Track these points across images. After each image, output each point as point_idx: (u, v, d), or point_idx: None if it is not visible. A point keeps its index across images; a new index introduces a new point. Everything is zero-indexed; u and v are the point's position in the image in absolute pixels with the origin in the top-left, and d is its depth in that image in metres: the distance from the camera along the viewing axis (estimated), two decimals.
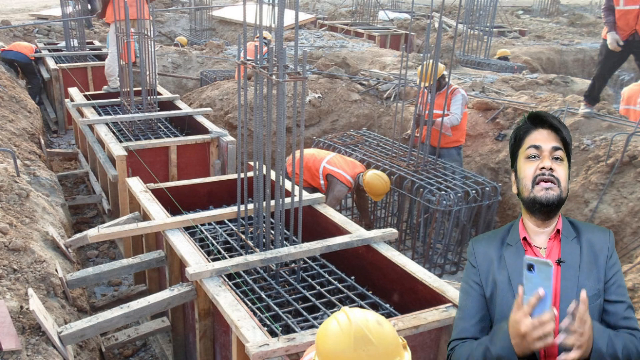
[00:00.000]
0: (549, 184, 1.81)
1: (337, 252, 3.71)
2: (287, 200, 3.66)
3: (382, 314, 2.31)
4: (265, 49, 4.68)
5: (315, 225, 4.19)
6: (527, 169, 1.86)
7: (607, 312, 1.86)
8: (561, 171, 1.83)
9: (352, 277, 3.62)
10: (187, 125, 6.76)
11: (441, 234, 5.74)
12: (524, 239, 1.92)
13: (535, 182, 1.83)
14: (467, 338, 1.93)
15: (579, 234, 1.90)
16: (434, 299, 3.16)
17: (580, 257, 1.86)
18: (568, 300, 1.82)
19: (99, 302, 4.34)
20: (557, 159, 1.84)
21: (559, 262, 1.86)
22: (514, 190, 1.94)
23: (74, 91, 7.46)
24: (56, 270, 3.58)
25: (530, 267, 1.63)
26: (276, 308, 3.23)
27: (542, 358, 1.84)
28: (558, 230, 1.90)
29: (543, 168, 1.82)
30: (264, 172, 3.59)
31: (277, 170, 3.67)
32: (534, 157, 1.85)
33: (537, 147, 1.85)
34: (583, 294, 1.64)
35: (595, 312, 1.84)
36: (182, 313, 3.92)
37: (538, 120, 1.89)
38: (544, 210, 1.84)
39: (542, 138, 1.86)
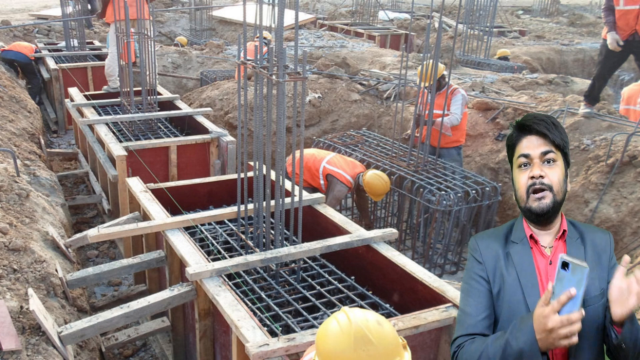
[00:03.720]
0: (540, 194, 1.82)
1: (337, 252, 3.71)
2: (287, 200, 3.66)
3: (382, 314, 2.31)
4: (265, 49, 4.68)
5: (315, 225, 4.19)
6: (520, 179, 1.87)
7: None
8: (553, 174, 1.83)
9: (352, 277, 3.62)
10: (187, 125, 6.76)
11: (441, 234, 5.73)
12: (531, 236, 1.92)
13: (528, 193, 1.85)
14: (475, 334, 1.89)
15: (581, 235, 1.92)
16: (434, 299, 3.16)
17: (585, 256, 1.87)
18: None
19: (99, 302, 4.34)
20: (548, 161, 1.84)
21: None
22: (515, 197, 1.95)
23: (74, 91, 7.46)
24: (56, 270, 3.58)
25: (565, 266, 1.63)
26: (276, 308, 3.23)
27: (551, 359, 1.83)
28: (564, 231, 1.91)
29: (533, 177, 1.83)
30: (264, 172, 3.59)
31: (277, 170, 3.67)
32: (525, 165, 1.87)
33: (526, 156, 1.86)
34: (626, 257, 1.68)
35: (599, 311, 1.83)
36: (182, 313, 3.92)
37: (524, 127, 1.89)
38: (541, 219, 1.86)
39: (530, 145, 1.86)
